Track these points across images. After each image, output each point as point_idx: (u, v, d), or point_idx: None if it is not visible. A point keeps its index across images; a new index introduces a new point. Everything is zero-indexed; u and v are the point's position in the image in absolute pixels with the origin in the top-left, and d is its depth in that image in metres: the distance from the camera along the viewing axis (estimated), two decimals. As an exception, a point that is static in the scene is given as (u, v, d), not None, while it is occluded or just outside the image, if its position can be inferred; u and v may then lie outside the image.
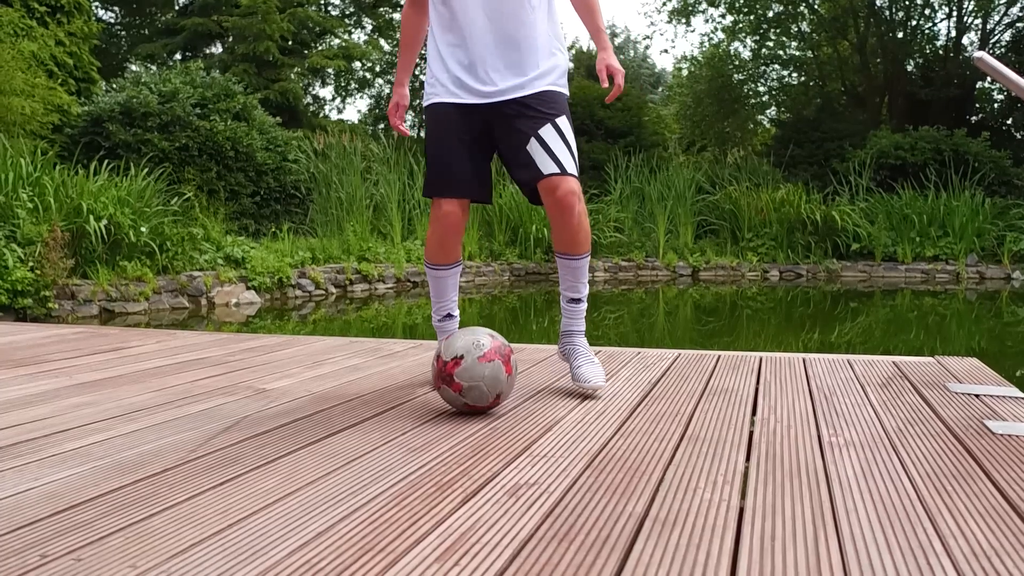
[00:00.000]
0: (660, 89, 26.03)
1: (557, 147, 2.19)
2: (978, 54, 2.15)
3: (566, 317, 2.40)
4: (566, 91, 2.32)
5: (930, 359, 2.82)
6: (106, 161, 8.42)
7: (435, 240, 2.32)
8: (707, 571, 1.09)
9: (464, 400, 1.96)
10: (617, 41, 32.43)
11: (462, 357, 1.96)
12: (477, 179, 2.27)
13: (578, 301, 2.38)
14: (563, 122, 2.23)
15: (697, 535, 1.21)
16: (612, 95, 2.30)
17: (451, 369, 1.96)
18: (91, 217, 6.71)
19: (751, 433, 1.82)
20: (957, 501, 1.36)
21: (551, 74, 2.25)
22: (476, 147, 2.25)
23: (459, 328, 2.34)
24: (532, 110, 2.20)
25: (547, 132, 2.19)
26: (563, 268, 2.35)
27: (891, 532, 1.22)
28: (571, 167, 2.21)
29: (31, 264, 6.14)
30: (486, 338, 2.01)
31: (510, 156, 2.26)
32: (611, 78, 2.27)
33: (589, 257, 2.35)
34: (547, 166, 2.18)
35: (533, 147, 2.19)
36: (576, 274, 2.34)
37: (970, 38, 16.47)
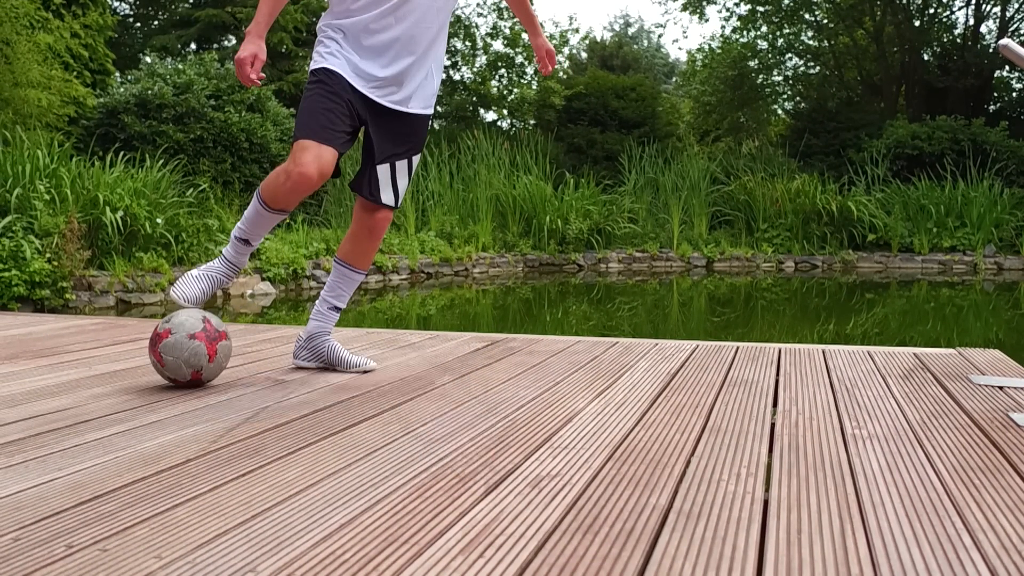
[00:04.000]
0: (674, 79, 25.87)
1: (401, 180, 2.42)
2: (1003, 41, 2.12)
3: (324, 322, 2.50)
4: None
5: (952, 351, 2.80)
6: (121, 153, 8.46)
7: (291, 187, 2.21)
8: (734, 564, 1.08)
9: (164, 370, 2.17)
10: (631, 31, 32.24)
11: (172, 331, 2.14)
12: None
13: (339, 311, 2.53)
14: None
15: (723, 528, 1.20)
16: (549, 71, 2.66)
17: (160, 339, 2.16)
18: (107, 208, 6.75)
19: (773, 425, 1.80)
20: (985, 495, 1.34)
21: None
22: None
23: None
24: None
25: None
26: (345, 279, 2.49)
27: (919, 526, 1.21)
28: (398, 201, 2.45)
29: (48, 255, 6.18)
30: (199, 322, 2.19)
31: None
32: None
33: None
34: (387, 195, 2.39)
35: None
36: (353, 286, 2.52)
37: (988, 27, 16.30)
